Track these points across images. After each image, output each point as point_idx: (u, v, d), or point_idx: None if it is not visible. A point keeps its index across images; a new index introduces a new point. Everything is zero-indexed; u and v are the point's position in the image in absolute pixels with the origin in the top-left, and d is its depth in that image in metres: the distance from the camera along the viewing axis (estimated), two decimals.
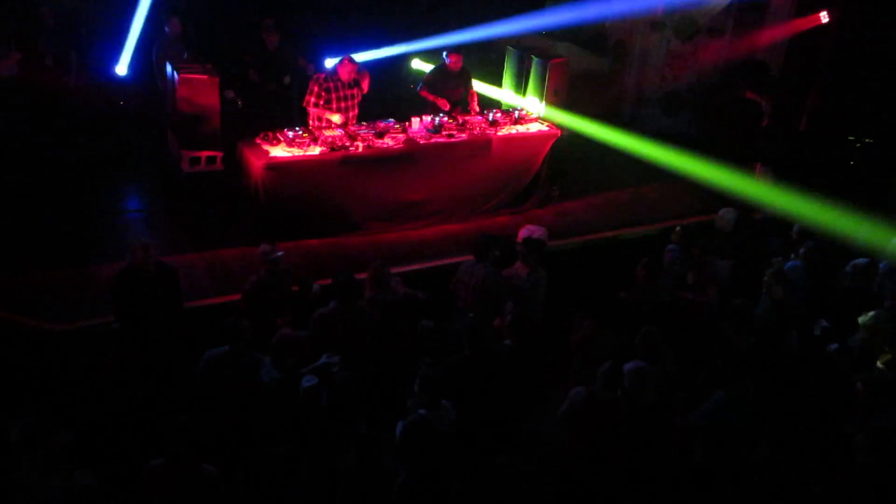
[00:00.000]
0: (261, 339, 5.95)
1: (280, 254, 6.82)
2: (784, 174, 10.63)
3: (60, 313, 7.26)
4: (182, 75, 8.84)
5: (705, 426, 5.67)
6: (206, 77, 8.90)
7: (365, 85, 9.38)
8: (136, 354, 6.22)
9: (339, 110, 9.21)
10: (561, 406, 5.74)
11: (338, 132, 9.04)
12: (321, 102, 9.15)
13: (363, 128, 9.20)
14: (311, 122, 9.34)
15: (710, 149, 11.87)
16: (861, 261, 7.55)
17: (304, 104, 9.26)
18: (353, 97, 9.33)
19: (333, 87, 9.17)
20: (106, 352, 5.89)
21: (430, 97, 10.03)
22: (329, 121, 9.18)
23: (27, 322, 7.14)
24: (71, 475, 4.74)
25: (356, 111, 9.45)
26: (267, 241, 6.85)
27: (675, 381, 6.18)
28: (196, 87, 8.84)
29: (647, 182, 11.21)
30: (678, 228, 7.91)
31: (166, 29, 10.35)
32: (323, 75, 9.24)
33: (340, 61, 9.17)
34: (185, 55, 9.74)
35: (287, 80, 10.60)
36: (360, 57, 9.87)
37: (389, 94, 11.68)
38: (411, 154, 9.18)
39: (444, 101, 9.96)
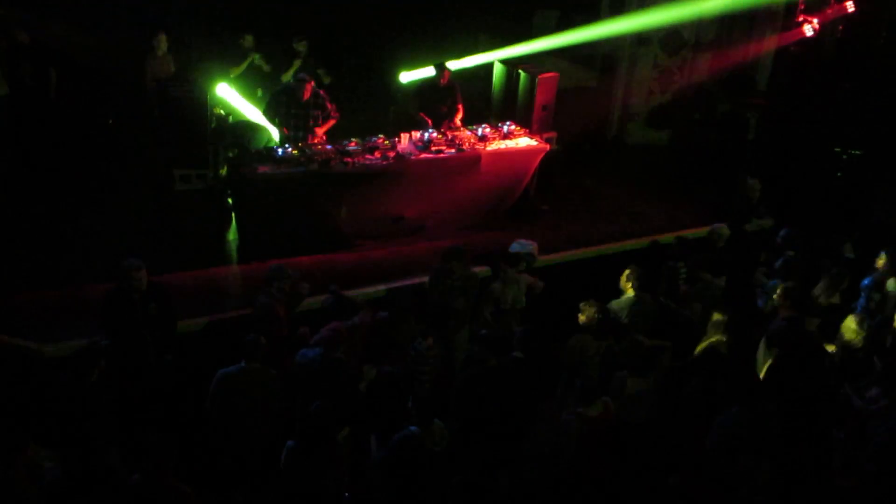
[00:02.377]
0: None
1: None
2: (771, 186, 10.69)
3: (50, 334, 7.22)
4: (171, 93, 8.83)
5: (719, 441, 5.66)
6: (194, 94, 8.90)
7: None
8: (123, 373, 6.18)
9: (295, 127, 9.35)
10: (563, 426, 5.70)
11: (328, 147, 9.06)
12: (272, 114, 9.41)
13: (352, 144, 9.22)
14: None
15: (698, 162, 11.99)
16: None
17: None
18: (310, 116, 9.36)
19: (285, 103, 9.31)
20: (92, 371, 5.85)
21: (417, 115, 10.06)
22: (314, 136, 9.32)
23: (17, 343, 7.09)
24: None
25: (319, 129, 9.46)
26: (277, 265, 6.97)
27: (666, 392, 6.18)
28: (186, 105, 8.83)
29: (636, 195, 11.25)
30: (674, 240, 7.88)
31: (153, 44, 10.36)
32: (280, 90, 9.46)
33: (296, 78, 9.40)
34: (174, 70, 9.75)
35: None
36: None
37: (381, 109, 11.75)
38: (401, 170, 9.18)
39: (428, 119, 9.99)
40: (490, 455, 5.64)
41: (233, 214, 9.14)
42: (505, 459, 5.62)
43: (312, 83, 9.28)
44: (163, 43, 10.32)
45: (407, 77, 11.77)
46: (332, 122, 9.55)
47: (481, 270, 8.39)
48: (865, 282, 7.81)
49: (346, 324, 6.42)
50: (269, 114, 9.42)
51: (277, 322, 6.64)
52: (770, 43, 12.10)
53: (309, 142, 9.25)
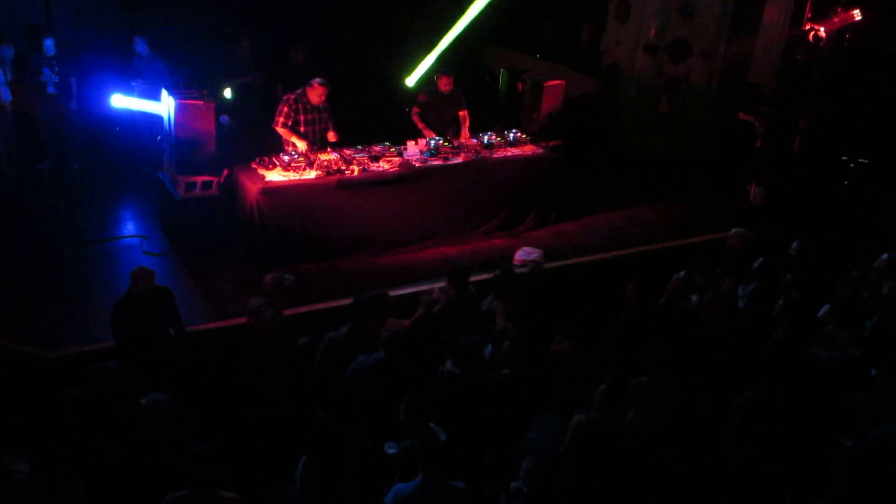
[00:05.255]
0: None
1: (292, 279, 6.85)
2: (778, 194, 10.67)
3: (56, 339, 7.24)
4: (178, 101, 8.87)
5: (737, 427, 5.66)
6: (201, 102, 8.94)
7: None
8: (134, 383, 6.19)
9: (305, 134, 9.15)
10: (565, 437, 5.67)
11: (333, 155, 9.07)
12: (289, 123, 9.10)
13: (359, 151, 9.23)
14: (284, 146, 9.29)
15: (705, 170, 11.97)
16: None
17: (273, 125, 9.19)
18: (321, 121, 9.25)
19: (302, 109, 9.12)
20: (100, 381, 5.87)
21: (420, 125, 10.04)
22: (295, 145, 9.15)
23: (23, 349, 7.12)
24: None
25: (330, 134, 9.37)
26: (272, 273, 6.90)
27: (682, 401, 6.14)
28: (192, 113, 8.86)
29: (641, 203, 11.24)
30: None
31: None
32: (293, 97, 9.14)
33: (310, 84, 9.09)
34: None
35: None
36: None
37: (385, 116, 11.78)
38: (407, 177, 9.19)
39: (431, 132, 9.95)
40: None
41: (239, 222, 9.15)
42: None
43: (322, 87, 9.06)
44: (246, 49, 10.55)
45: (413, 81, 11.88)
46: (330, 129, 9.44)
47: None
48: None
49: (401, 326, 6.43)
50: (285, 121, 9.13)
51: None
52: (776, 51, 12.09)
53: (323, 148, 9.26)
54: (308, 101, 9.09)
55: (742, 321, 7.16)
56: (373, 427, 5.85)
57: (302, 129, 9.14)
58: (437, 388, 6.08)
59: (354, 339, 6.31)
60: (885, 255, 7.69)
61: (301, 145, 9.11)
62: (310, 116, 9.14)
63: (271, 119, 9.19)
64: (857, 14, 11.32)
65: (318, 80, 9.08)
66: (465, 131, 10.08)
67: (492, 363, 6.46)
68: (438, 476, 4.83)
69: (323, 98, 9.09)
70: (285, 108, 9.08)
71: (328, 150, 9.24)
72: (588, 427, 5.51)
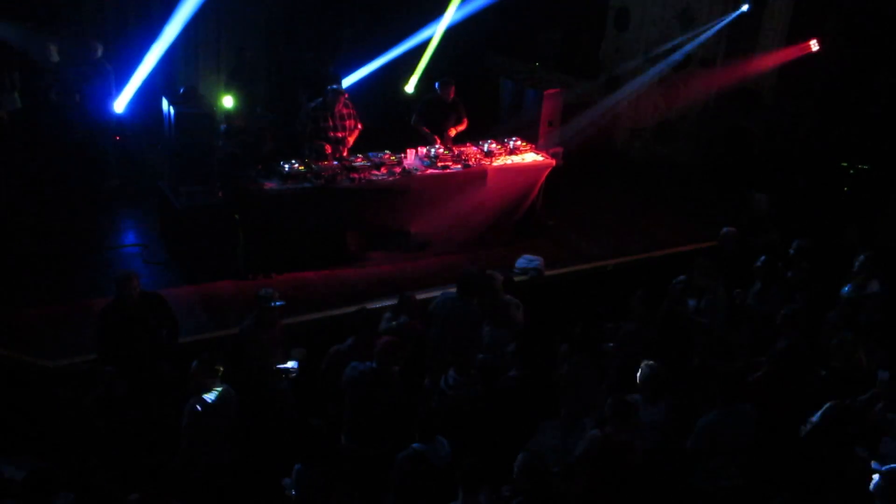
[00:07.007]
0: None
1: (281, 304, 6.77)
2: (778, 201, 10.65)
3: (57, 349, 7.23)
4: (178, 110, 8.88)
5: (697, 448, 5.66)
6: (201, 111, 8.95)
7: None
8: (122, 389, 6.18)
9: (334, 140, 9.37)
10: (577, 447, 5.64)
11: (333, 164, 9.08)
12: (308, 130, 9.36)
13: (359, 159, 9.23)
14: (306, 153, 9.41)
15: (706, 177, 11.97)
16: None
17: (301, 133, 9.42)
18: (344, 128, 9.46)
19: (330, 116, 9.33)
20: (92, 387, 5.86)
21: (426, 130, 10.09)
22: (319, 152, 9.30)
23: (23, 358, 7.10)
24: None
25: (350, 141, 9.59)
26: (267, 287, 6.90)
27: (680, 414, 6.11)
28: (192, 122, 8.88)
29: (642, 211, 11.24)
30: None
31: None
32: (316, 105, 9.38)
33: (331, 89, 9.35)
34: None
35: None
36: None
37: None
38: (407, 185, 9.19)
39: (437, 137, 10.03)
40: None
41: (240, 230, 9.14)
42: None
43: (346, 94, 9.41)
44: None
45: (412, 88, 11.90)
46: (357, 132, 9.66)
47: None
48: (845, 290, 7.71)
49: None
50: (308, 131, 9.38)
51: (257, 347, 6.61)
52: (775, 57, 12.11)
53: (345, 154, 9.42)
54: (331, 108, 9.33)
55: (748, 327, 7.15)
56: (363, 432, 5.85)
57: (331, 134, 9.39)
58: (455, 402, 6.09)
59: (360, 352, 6.31)
60: (861, 256, 7.67)
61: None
62: (337, 123, 9.42)
63: (272, 125, 9.30)
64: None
65: (334, 86, 9.50)
66: (450, 134, 10.11)
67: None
68: (481, 498, 4.80)
69: (342, 101, 9.38)
70: (309, 116, 9.38)
71: (329, 159, 9.24)
72: (604, 444, 5.46)
